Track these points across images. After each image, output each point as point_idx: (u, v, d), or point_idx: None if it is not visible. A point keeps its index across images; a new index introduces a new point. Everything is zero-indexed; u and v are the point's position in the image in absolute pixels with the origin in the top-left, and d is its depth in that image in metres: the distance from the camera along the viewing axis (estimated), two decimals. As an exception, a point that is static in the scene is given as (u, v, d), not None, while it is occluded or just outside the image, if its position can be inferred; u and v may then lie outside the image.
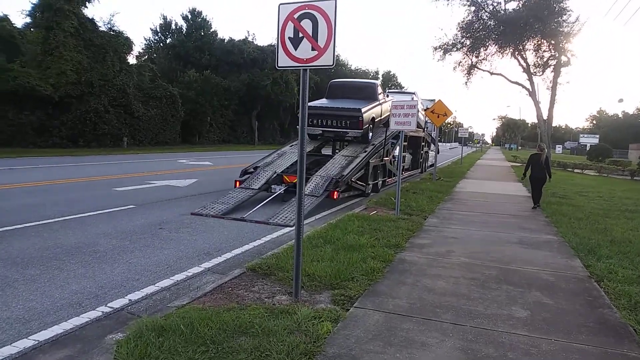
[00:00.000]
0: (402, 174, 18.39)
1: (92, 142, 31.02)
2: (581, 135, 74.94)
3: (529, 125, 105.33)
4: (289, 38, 4.34)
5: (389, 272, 5.56)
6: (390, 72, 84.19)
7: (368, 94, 14.41)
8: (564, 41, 26.24)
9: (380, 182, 14.62)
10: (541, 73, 28.52)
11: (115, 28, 32.76)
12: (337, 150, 15.17)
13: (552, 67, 27.58)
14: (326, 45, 4.22)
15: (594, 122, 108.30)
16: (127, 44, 32.91)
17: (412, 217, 9.33)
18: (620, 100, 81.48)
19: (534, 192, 11.91)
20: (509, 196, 14.22)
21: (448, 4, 27.94)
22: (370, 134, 13.65)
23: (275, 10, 4.35)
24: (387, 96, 16.30)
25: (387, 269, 5.66)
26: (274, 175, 11.21)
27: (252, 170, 11.72)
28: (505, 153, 70.40)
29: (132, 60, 38.85)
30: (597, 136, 68.22)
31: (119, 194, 11.30)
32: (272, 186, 10.94)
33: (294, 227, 8.52)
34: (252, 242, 7.28)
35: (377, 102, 14.36)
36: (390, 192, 12.89)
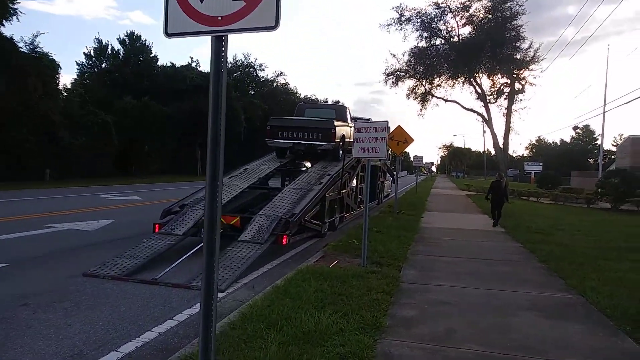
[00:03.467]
0: (360, 207, 16.55)
1: (8, 176, 27.15)
2: (525, 163, 76.78)
3: (475, 153, 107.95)
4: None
5: (372, 391, 3.35)
6: (339, 101, 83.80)
7: (338, 115, 13.77)
8: (517, 68, 25.73)
9: (338, 218, 12.53)
10: (494, 101, 27.94)
11: (39, 49, 29.38)
12: (287, 182, 13.05)
13: (506, 94, 27.00)
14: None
15: (534, 150, 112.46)
16: (53, 66, 29.49)
17: (383, 269, 7.21)
18: (575, 128, 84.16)
19: (493, 213, 14.00)
20: (483, 233, 12.48)
21: (401, 29, 26.86)
22: (341, 151, 12.53)
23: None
24: (355, 122, 15.18)
25: (368, 383, 3.46)
26: (206, 215, 8.82)
27: (177, 209, 9.28)
28: (454, 181, 70.67)
29: (63, 85, 35.40)
30: (541, 164, 69.98)
31: (-3, 244, 8.51)
32: (203, 230, 8.53)
33: (225, 292, 6.20)
34: (158, 325, 4.87)
35: (347, 124, 13.39)
36: (351, 232, 10.78)
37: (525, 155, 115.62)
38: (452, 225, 13.74)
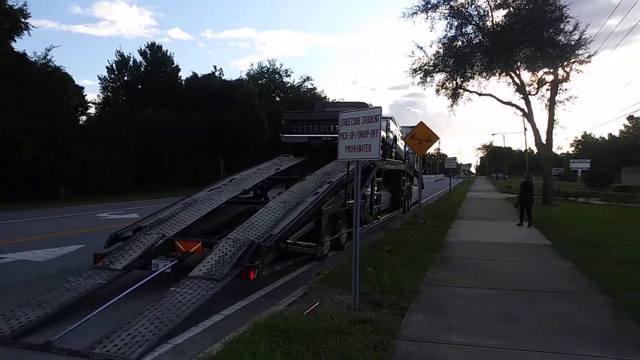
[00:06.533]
0: (378, 218, 14.38)
1: (23, 195, 26.40)
2: (571, 161, 71.86)
3: (516, 152, 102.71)
4: None
5: None
6: (364, 102, 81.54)
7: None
8: (561, 53, 22.82)
9: (345, 234, 10.47)
10: (535, 92, 25.12)
11: (51, 63, 28.70)
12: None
13: (548, 83, 24.16)
14: None
15: (579, 146, 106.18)
16: (66, 80, 28.80)
17: (379, 315, 5.14)
18: (630, 118, 77.67)
19: (522, 214, 13.82)
20: (524, 247, 10.12)
21: (427, 17, 24.43)
22: None
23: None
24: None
25: None
26: (160, 240, 6.97)
27: (129, 234, 7.50)
28: (494, 183, 66.88)
29: (90, 98, 34.83)
30: (589, 161, 65.20)
31: None
32: (153, 261, 6.66)
33: (137, 365, 4.25)
34: None
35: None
36: (362, 251, 8.67)
37: (570, 152, 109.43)
38: (485, 238, 11.43)
